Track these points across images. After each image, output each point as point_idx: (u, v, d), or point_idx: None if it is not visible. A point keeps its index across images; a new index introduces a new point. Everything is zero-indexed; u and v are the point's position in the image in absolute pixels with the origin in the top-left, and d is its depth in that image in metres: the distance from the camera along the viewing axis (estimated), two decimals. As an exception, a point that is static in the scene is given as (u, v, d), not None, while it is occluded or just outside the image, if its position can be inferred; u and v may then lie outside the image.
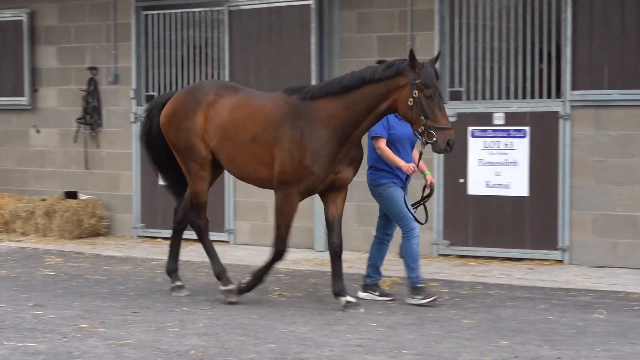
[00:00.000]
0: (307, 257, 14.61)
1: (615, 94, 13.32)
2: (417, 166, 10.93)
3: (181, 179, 11.69)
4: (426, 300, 10.88)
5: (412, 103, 10.16)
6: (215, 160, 11.30)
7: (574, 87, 13.54)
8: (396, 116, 10.85)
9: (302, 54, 15.21)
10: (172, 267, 11.86)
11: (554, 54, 13.79)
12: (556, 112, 13.65)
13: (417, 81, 10.13)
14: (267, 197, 15.38)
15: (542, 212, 13.77)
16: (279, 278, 12.87)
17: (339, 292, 10.85)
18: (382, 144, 10.92)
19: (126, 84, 16.85)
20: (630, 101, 13.21)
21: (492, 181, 14.05)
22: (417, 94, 10.13)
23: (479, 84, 14.33)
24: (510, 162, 13.89)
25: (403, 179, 11.01)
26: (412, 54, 10.21)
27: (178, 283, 11.79)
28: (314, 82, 14.83)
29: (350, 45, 15.13)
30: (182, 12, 16.41)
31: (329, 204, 10.96)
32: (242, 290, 11.10)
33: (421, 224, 11.08)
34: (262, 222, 15.58)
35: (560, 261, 13.70)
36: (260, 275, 11.03)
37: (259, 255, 14.32)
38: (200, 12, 16.29)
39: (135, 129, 16.59)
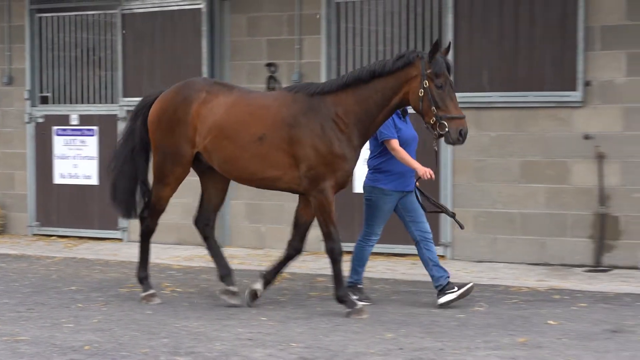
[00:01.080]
0: (198, 254, 14.50)
1: (494, 96, 13.50)
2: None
3: (147, 184, 11.10)
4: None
5: (422, 94, 9.73)
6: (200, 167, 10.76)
7: (457, 89, 13.59)
8: (399, 117, 10.51)
9: (194, 57, 15.14)
10: (225, 272, 10.97)
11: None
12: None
13: (428, 71, 9.71)
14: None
15: (426, 209, 13.88)
16: (171, 274, 12.81)
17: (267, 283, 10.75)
18: (396, 144, 10.38)
19: (20, 85, 16.60)
20: (508, 103, 13.40)
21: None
22: (427, 84, 9.71)
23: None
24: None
25: (406, 185, 10.51)
26: (436, 44, 9.81)
27: (233, 289, 10.88)
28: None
29: (240, 48, 15.10)
30: (75, 15, 16.23)
31: (306, 206, 10.52)
32: (353, 304, 10.21)
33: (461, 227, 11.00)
34: (155, 220, 15.49)
35: (443, 256, 13.82)
36: (340, 282, 10.22)
37: (153, 252, 14.26)
38: (93, 14, 16.12)
39: (30, 129, 16.39)
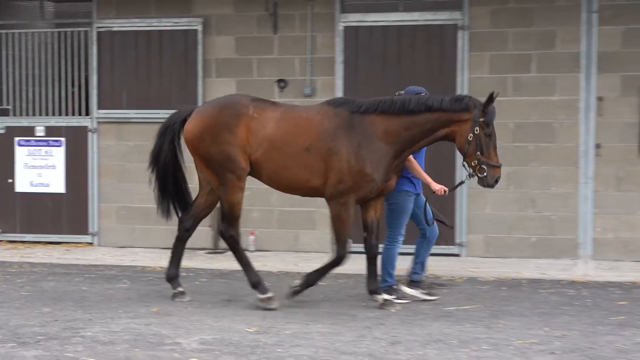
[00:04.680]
0: None
1: (132, 113, 13.54)
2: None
3: (183, 191, 9.89)
4: (401, 301, 9.53)
5: (471, 138, 8.84)
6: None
7: (100, 107, 13.64)
8: None
9: None
10: (174, 273, 9.80)
11: (83, 80, 13.81)
12: (86, 127, 13.66)
13: (481, 119, 8.84)
14: None
15: (76, 205, 13.74)
16: None
17: (374, 291, 9.41)
18: (411, 157, 9.45)
19: None
20: (143, 118, 13.48)
21: (35, 181, 13.81)
22: (478, 131, 8.83)
23: (24, 103, 14.06)
24: (50, 166, 13.73)
25: (420, 187, 9.66)
26: (491, 96, 8.85)
27: (180, 289, 9.78)
28: None
29: None
30: None
31: (369, 208, 9.36)
32: (295, 293, 9.42)
33: (450, 227, 10.15)
34: None
35: (91, 243, 13.73)
36: (315, 278, 9.36)
37: None
38: None
39: None
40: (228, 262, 12.28)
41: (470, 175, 9.04)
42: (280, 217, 13.24)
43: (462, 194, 12.55)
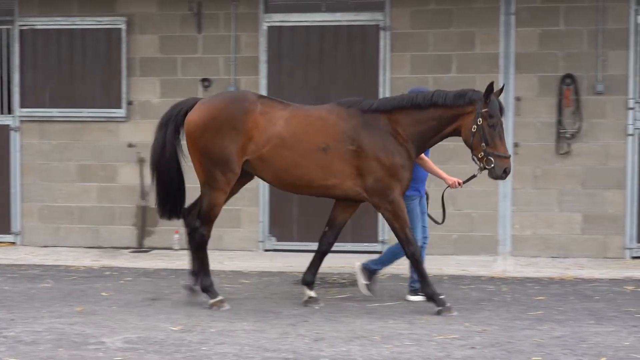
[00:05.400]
0: None
1: (55, 112, 13.33)
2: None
3: (183, 189, 9.36)
4: (369, 293, 9.47)
5: (475, 130, 8.67)
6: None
7: (22, 105, 13.40)
8: None
9: None
10: (209, 281, 9.28)
11: (5, 78, 13.56)
12: (8, 125, 13.42)
13: (484, 110, 8.66)
14: None
15: (-3, 204, 13.53)
16: None
17: (309, 284, 9.35)
18: (423, 155, 9.27)
19: None
20: (66, 117, 13.29)
21: (-44, 180, 13.54)
22: (481, 122, 8.65)
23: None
24: (-29, 165, 13.49)
25: (422, 190, 9.45)
26: (491, 86, 8.69)
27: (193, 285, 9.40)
28: None
29: None
30: None
31: (342, 207, 9.27)
32: (441, 302, 8.88)
33: (439, 223, 9.69)
34: None
35: (14, 243, 13.49)
36: (425, 286, 8.91)
37: None
38: None
39: None
40: (153, 261, 12.19)
41: (481, 169, 8.89)
42: (205, 216, 13.16)
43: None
